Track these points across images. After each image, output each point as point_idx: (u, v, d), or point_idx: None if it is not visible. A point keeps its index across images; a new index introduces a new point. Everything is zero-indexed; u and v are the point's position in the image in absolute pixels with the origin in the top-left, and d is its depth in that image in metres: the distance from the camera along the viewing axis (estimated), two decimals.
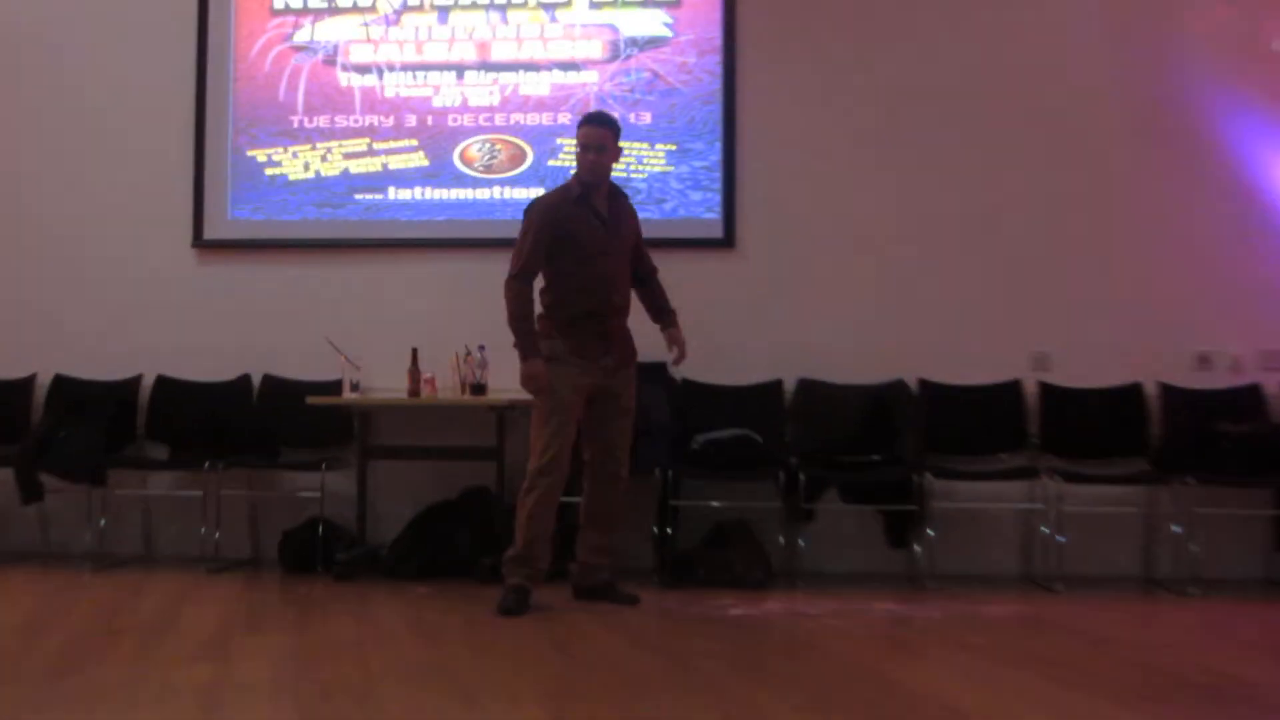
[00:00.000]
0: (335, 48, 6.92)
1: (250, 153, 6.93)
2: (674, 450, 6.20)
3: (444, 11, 6.88)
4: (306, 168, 6.91)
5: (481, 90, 6.84)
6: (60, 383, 6.82)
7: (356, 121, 6.89)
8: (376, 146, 6.87)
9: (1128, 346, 6.51)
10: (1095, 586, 6.05)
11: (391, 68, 6.89)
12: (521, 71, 6.84)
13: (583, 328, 5.19)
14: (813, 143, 6.74)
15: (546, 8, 6.84)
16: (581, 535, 5.40)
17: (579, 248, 5.18)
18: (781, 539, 6.17)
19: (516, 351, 5.18)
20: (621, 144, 5.36)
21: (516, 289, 5.15)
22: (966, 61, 6.71)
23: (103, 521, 6.49)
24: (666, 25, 6.78)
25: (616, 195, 5.35)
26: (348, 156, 6.88)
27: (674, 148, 6.78)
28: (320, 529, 6.23)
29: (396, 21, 6.89)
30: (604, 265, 5.22)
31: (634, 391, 5.33)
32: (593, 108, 6.56)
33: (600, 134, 5.23)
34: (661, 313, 5.49)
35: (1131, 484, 6.28)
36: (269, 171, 6.93)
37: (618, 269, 5.28)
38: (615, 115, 5.61)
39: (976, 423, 6.48)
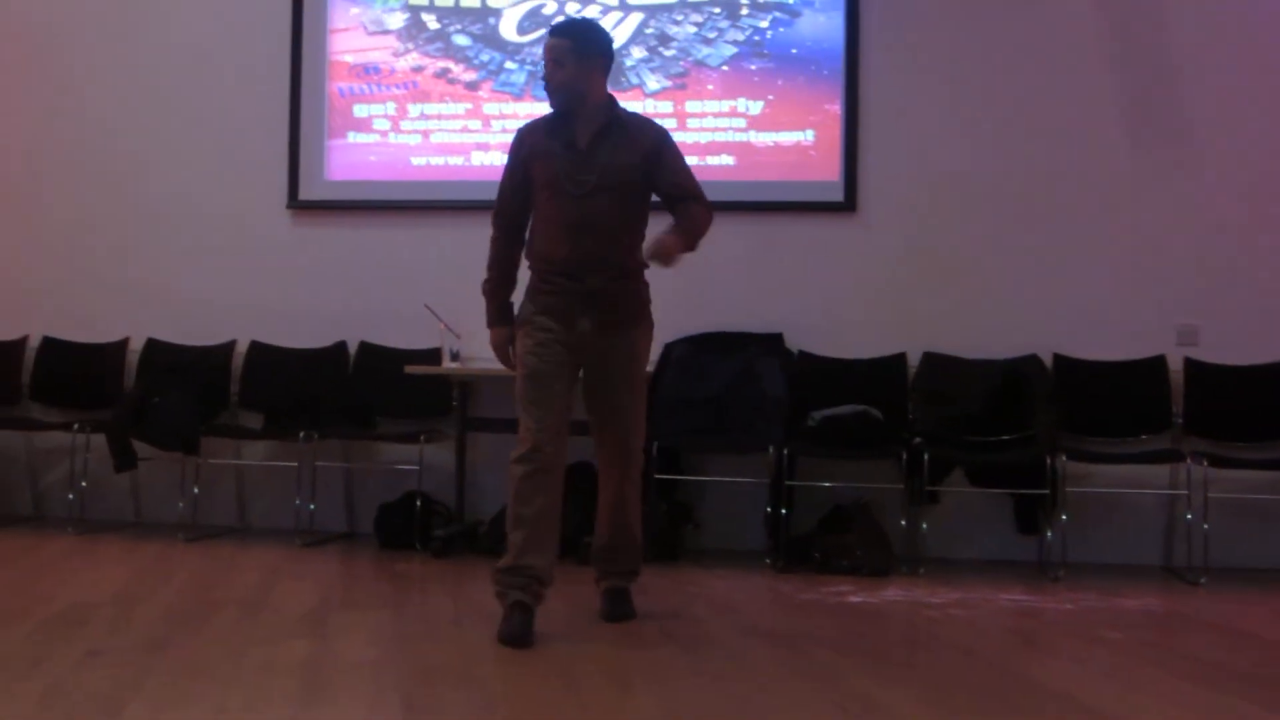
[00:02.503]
0: None
1: (347, 107, 7.08)
2: (789, 427, 6.25)
3: None
4: (407, 123, 7.04)
5: None
6: (153, 347, 7.05)
7: (457, 78, 7.00)
8: (483, 101, 6.97)
9: None
10: (1242, 580, 5.98)
11: (498, 15, 6.99)
12: (640, 14, 6.89)
13: (553, 285, 4.50)
14: (941, 100, 6.71)
15: None
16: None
17: (543, 186, 4.51)
18: (903, 522, 6.19)
19: None
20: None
21: (492, 235, 4.68)
22: (1114, 18, 6.63)
23: (196, 491, 6.70)
24: None
25: (614, 121, 4.53)
26: (451, 114, 6.99)
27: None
28: (418, 503, 6.38)
29: None
30: (572, 207, 4.45)
31: (633, 355, 4.60)
32: (702, 61, 6.61)
33: (555, 46, 4.49)
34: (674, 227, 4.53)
35: None
36: (367, 128, 7.07)
37: (598, 212, 4.44)
38: (595, 21, 4.78)
39: (1115, 401, 6.43)
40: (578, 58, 4.45)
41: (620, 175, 4.47)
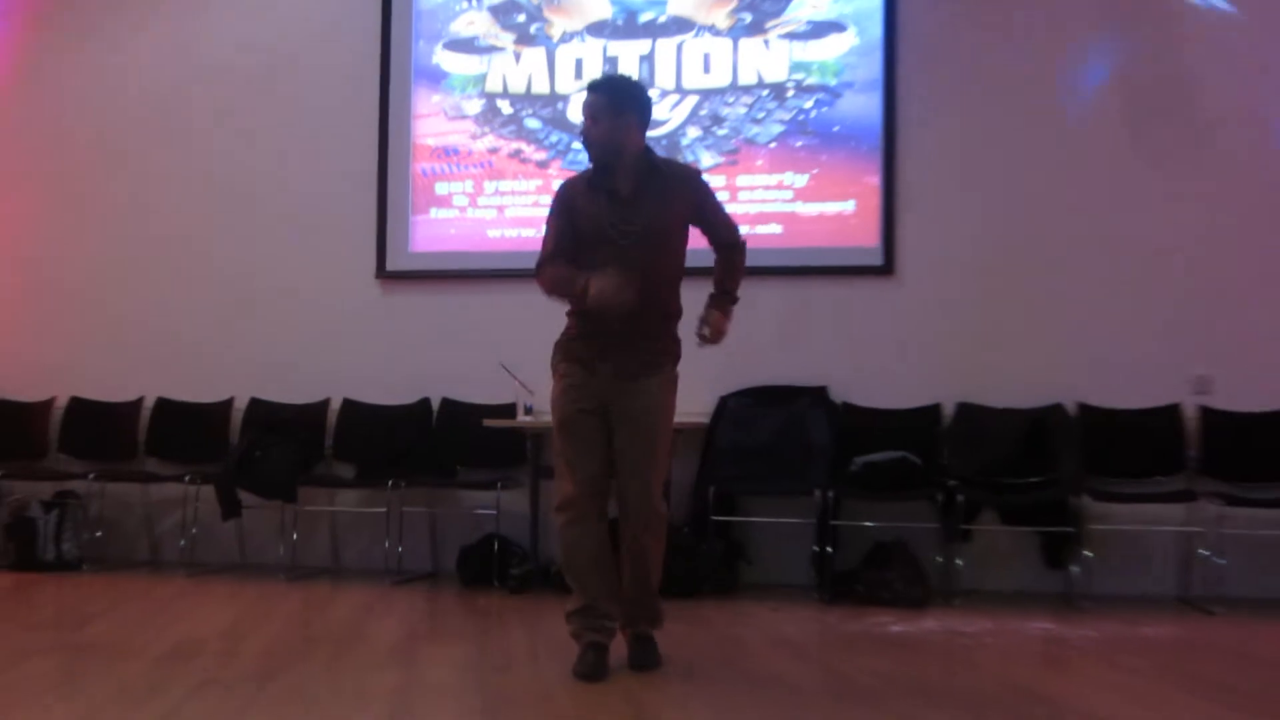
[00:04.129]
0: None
1: (429, 185, 7.24)
2: (834, 472, 6.31)
3: (636, 24, 7.13)
4: (483, 199, 7.18)
5: (660, 110, 6.89)
6: (256, 406, 7.21)
7: (529, 158, 7.14)
8: (553, 178, 7.03)
9: None
10: (1257, 610, 5.95)
11: (565, 100, 7.14)
12: (695, 97, 7.01)
13: (582, 331, 4.35)
14: (972, 171, 6.77)
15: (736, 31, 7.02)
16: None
17: (588, 238, 4.29)
18: (939, 558, 6.21)
19: (576, 298, 4.27)
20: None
21: (543, 275, 4.39)
22: (1136, 87, 6.66)
23: (295, 536, 6.83)
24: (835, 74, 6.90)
25: (652, 172, 4.31)
26: (524, 190, 7.13)
27: None
28: (496, 545, 6.47)
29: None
30: (608, 256, 4.20)
31: (650, 404, 4.29)
32: (752, 139, 6.71)
33: (592, 102, 4.29)
34: (718, 291, 4.45)
35: None
36: (447, 204, 7.22)
37: (641, 260, 4.21)
38: (631, 77, 4.75)
39: (1134, 446, 6.43)
40: (613, 113, 4.26)
41: (664, 225, 4.28)
